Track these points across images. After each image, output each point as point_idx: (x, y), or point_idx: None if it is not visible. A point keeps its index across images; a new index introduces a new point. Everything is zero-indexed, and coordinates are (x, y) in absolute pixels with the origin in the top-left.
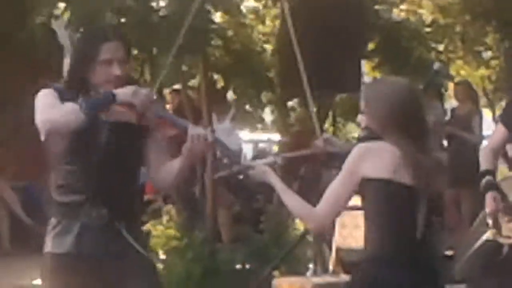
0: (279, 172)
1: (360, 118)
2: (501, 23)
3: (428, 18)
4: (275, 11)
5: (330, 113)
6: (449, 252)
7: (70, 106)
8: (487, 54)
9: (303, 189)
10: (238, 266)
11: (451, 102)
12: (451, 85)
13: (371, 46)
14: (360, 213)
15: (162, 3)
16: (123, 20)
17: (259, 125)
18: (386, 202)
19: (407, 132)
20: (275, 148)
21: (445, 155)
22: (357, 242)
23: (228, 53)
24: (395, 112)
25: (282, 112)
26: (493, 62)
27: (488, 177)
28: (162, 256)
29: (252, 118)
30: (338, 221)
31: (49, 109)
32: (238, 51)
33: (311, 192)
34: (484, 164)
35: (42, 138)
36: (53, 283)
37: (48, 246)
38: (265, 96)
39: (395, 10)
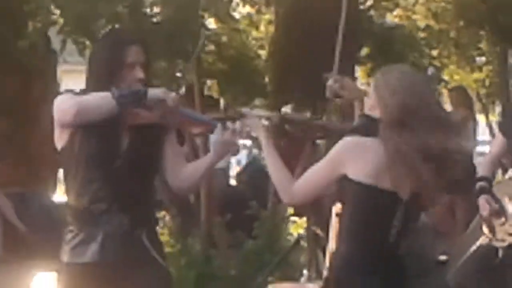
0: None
1: (365, 100)
2: (495, 28)
3: (421, 23)
4: (268, 16)
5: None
6: (443, 258)
7: (101, 93)
8: (481, 59)
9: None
10: (232, 272)
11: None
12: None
13: (364, 51)
14: None
15: (156, 10)
16: (116, 26)
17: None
18: (363, 206)
19: (414, 122)
20: None
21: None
22: None
23: (222, 59)
24: (407, 100)
25: None
26: (487, 68)
27: (481, 183)
28: None
29: None
30: (332, 226)
31: (77, 97)
32: (232, 57)
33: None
34: (480, 171)
35: (59, 131)
36: None
37: (68, 256)
38: (258, 102)
39: (388, 16)
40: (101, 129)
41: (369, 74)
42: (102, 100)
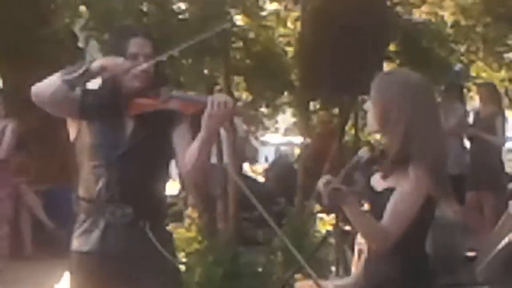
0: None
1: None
2: None
3: (449, 19)
4: (296, 13)
5: (352, 115)
6: (470, 254)
7: (54, 76)
8: (509, 56)
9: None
10: (259, 269)
11: (472, 104)
12: (473, 87)
13: (392, 47)
14: None
15: (182, 6)
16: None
17: (281, 128)
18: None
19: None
20: (297, 151)
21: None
22: None
23: (249, 55)
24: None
25: (303, 114)
26: None
27: None
28: (183, 259)
29: (274, 121)
30: None
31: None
32: (259, 53)
33: None
34: None
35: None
36: (79, 281)
37: (74, 244)
38: (285, 98)
39: (416, 12)
40: (104, 118)
41: None
42: (50, 80)
